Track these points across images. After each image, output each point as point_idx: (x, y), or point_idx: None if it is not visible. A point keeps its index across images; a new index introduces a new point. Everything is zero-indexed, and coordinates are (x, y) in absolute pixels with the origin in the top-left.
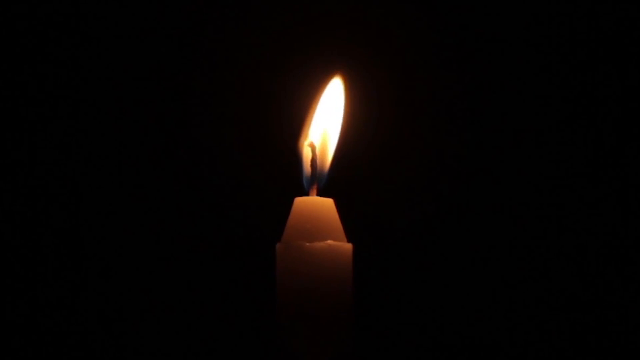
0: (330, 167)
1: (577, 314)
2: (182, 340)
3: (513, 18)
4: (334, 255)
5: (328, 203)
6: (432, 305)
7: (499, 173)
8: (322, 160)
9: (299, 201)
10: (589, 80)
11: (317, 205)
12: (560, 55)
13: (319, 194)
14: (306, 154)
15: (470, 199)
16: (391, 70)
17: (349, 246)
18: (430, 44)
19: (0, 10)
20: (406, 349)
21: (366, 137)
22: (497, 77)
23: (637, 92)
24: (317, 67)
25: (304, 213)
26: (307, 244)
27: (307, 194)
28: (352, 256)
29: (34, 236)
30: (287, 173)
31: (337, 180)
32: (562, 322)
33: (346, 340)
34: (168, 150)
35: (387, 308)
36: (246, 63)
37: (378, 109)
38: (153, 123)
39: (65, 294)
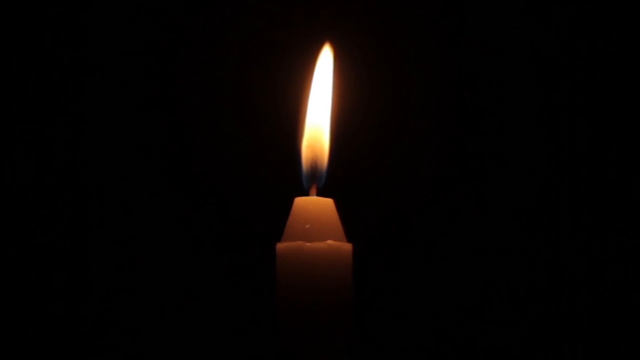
0: (328, 164)
1: (576, 313)
2: (182, 341)
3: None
4: (334, 255)
5: (328, 203)
6: (432, 305)
7: (500, 172)
8: (320, 158)
9: (299, 201)
10: (585, 80)
11: (317, 205)
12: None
13: (319, 194)
14: (305, 153)
15: (470, 198)
16: (389, 65)
17: (349, 246)
18: (429, 35)
19: None
20: (406, 348)
21: (365, 136)
22: (499, 66)
23: (636, 92)
24: (309, 62)
25: (304, 213)
26: (307, 244)
27: (307, 194)
28: (352, 256)
29: (35, 236)
30: (287, 173)
31: (337, 180)
32: (562, 323)
33: (346, 340)
34: (167, 150)
35: (387, 308)
36: (242, 61)
37: (377, 107)
38: (152, 123)
39: (65, 293)
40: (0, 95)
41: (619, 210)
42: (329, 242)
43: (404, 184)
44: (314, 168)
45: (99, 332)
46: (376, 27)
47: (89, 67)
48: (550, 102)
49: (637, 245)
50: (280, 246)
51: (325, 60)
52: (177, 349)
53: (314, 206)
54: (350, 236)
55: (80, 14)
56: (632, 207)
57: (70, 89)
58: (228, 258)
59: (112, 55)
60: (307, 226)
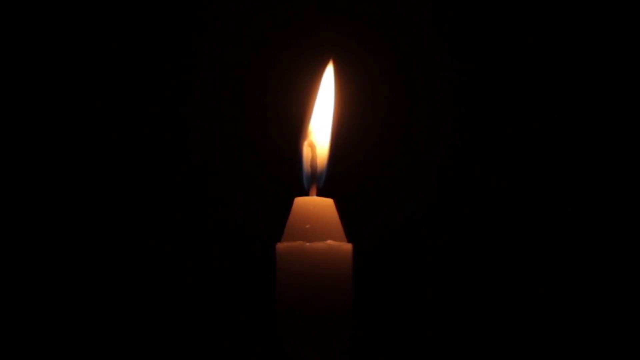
0: (327, 164)
1: (576, 314)
2: (182, 341)
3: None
4: (334, 255)
5: (328, 203)
6: (432, 305)
7: (499, 172)
8: (321, 158)
9: (299, 201)
10: (581, 79)
11: (317, 205)
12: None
13: (319, 194)
14: (306, 153)
15: (470, 198)
16: (389, 66)
17: (349, 246)
18: (427, 37)
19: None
20: (406, 348)
21: (365, 136)
22: (498, 70)
23: (636, 92)
24: (312, 63)
25: (304, 213)
26: (307, 244)
27: (307, 194)
28: (352, 256)
29: (36, 236)
30: (287, 173)
31: (337, 180)
32: (563, 323)
33: (346, 340)
34: (168, 150)
35: (387, 308)
36: (244, 62)
37: (377, 107)
38: (152, 124)
39: (65, 294)
40: None
41: (618, 211)
42: (329, 242)
43: (404, 184)
44: (314, 168)
45: (99, 333)
46: (377, 32)
47: (90, 68)
48: (549, 102)
49: (637, 245)
50: (280, 246)
51: (327, 63)
52: (177, 349)
53: (314, 206)
54: (350, 236)
55: (80, 13)
56: (631, 207)
57: (70, 90)
58: (228, 258)
59: (118, 59)
60: (307, 226)
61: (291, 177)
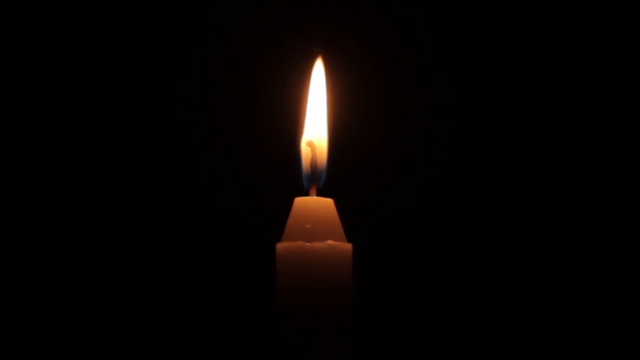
0: (327, 163)
1: (576, 313)
2: (182, 341)
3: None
4: (334, 255)
5: (328, 203)
6: (432, 305)
7: (499, 172)
8: (320, 158)
9: (299, 201)
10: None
11: (317, 205)
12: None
13: (319, 194)
14: (305, 152)
15: (471, 197)
16: (385, 64)
17: (349, 246)
18: (420, 35)
19: None
20: (406, 348)
21: (366, 137)
22: (492, 62)
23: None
24: (307, 60)
25: (304, 213)
26: (307, 244)
27: (307, 194)
28: (352, 256)
29: (35, 236)
30: (287, 173)
31: (337, 180)
32: (564, 323)
33: (346, 340)
34: (168, 151)
35: (387, 308)
36: (242, 62)
37: (376, 107)
38: (151, 125)
39: (65, 294)
40: None
41: (618, 211)
42: (329, 242)
43: (404, 184)
44: (314, 168)
45: (98, 333)
46: (371, 30)
47: (86, 68)
48: (548, 100)
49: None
50: (280, 246)
51: (322, 62)
52: (177, 349)
53: (314, 206)
54: (350, 236)
55: (77, 12)
56: (631, 208)
57: (70, 90)
58: (228, 258)
59: (114, 59)
60: (307, 226)
61: (291, 177)
